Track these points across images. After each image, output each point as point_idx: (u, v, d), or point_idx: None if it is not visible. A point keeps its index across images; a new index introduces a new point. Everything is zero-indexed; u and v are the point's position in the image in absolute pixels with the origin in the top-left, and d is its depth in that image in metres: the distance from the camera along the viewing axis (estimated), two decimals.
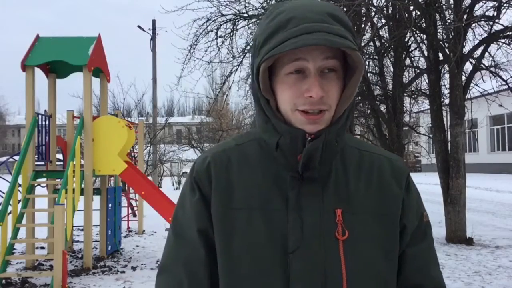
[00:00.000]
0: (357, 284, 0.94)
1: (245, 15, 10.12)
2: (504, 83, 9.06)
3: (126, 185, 11.19)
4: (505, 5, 7.55)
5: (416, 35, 8.94)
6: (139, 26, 21.79)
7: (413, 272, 1.03)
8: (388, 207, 1.01)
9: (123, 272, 6.59)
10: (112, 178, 8.95)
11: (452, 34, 7.64)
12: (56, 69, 7.71)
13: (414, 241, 1.03)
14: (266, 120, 0.98)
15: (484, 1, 8.32)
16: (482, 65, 8.90)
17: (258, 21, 10.05)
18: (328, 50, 0.91)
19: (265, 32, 0.94)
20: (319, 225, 0.95)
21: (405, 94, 10.61)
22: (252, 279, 0.94)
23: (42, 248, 8.15)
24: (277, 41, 0.90)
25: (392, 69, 10.46)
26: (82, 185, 6.98)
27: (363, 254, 0.96)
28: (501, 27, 8.17)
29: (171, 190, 20.52)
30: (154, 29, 22.07)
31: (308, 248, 0.94)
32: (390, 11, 8.91)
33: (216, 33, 10.33)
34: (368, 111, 12.49)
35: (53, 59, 7.15)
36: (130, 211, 11.56)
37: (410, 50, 10.22)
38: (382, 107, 10.78)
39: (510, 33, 7.70)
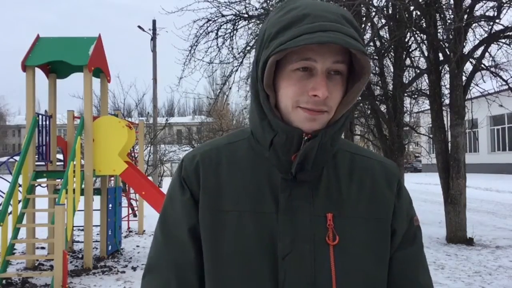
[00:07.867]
0: None
1: (245, 15, 10.14)
2: (504, 83, 9.06)
3: (127, 185, 11.20)
4: (505, 5, 7.53)
5: (416, 35, 8.94)
6: (139, 27, 21.81)
7: (402, 278, 1.00)
8: (380, 211, 0.98)
9: (123, 272, 6.59)
10: (112, 178, 8.95)
11: (452, 34, 7.64)
12: (57, 69, 7.70)
13: (403, 245, 1.00)
14: (263, 117, 0.95)
15: (484, 1, 8.32)
16: (482, 65, 8.89)
17: (258, 22, 10.06)
18: (338, 53, 0.90)
19: (278, 25, 0.91)
20: (309, 230, 0.93)
21: (405, 94, 10.62)
22: (241, 283, 0.92)
23: (43, 248, 8.15)
24: (292, 35, 0.87)
25: (392, 69, 10.47)
26: (83, 185, 6.98)
27: (354, 260, 0.93)
28: (501, 27, 8.17)
29: None
30: (154, 29, 22.10)
31: (299, 253, 0.92)
32: (390, 11, 8.92)
33: (216, 34, 10.35)
34: (368, 111, 12.51)
35: (53, 59, 7.15)
36: (130, 211, 11.58)
37: (410, 50, 10.22)
38: (383, 107, 10.80)
39: (510, 33, 7.69)
